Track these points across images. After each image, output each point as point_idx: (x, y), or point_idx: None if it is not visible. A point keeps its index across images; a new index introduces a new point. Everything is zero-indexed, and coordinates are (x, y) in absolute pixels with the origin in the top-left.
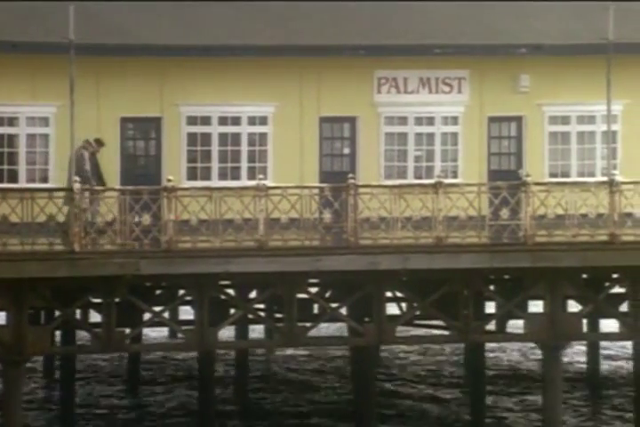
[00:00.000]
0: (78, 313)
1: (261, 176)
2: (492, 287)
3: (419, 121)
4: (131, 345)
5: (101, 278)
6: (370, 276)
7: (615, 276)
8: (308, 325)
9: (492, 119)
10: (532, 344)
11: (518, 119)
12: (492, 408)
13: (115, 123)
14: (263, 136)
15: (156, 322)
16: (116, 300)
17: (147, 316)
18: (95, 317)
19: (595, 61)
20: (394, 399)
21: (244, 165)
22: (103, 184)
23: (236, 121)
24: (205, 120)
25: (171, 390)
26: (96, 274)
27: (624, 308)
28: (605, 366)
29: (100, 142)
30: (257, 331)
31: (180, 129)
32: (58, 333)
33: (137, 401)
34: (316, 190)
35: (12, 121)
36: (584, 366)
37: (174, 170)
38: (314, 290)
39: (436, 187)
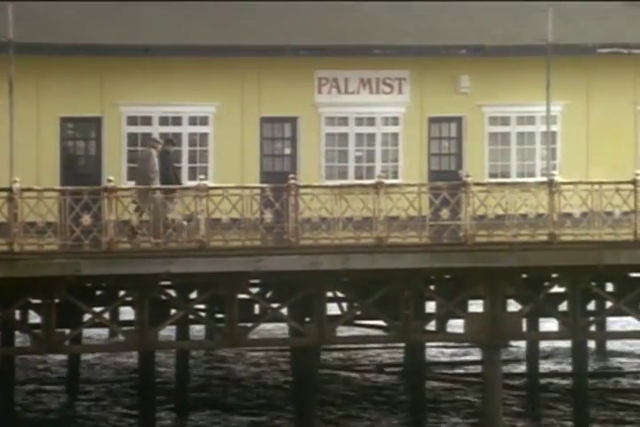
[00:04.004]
0: (17, 314)
1: (202, 176)
2: (432, 287)
3: (359, 121)
4: (70, 346)
5: (41, 279)
6: (311, 276)
7: (555, 275)
8: (249, 325)
9: (433, 120)
10: None
11: (458, 120)
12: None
13: (54, 123)
14: (204, 136)
15: (96, 323)
16: (56, 301)
17: (87, 317)
18: (35, 318)
19: (534, 63)
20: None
21: (185, 165)
22: (178, 182)
23: (176, 121)
24: (146, 120)
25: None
26: (36, 275)
27: (563, 307)
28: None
29: (171, 142)
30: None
31: (120, 129)
32: None
33: (75, 402)
34: (257, 191)
35: None
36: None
37: (115, 170)
38: (255, 290)
39: (377, 187)
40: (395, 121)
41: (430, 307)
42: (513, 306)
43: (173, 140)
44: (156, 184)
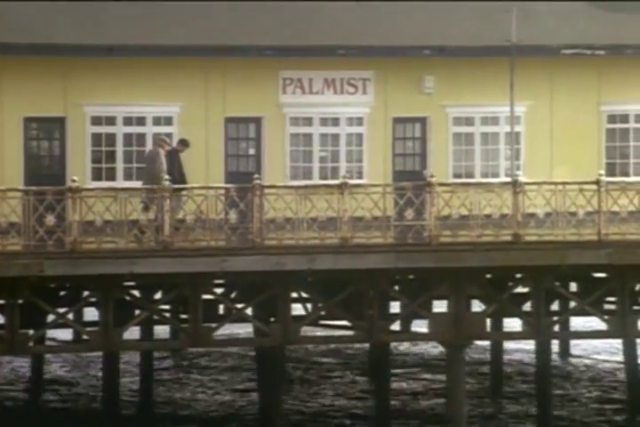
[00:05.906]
0: None
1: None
2: (397, 287)
3: (324, 122)
4: (34, 347)
5: (4, 280)
6: (275, 276)
7: (518, 275)
8: (213, 325)
9: (397, 120)
10: None
11: (423, 120)
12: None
13: (18, 123)
14: (168, 136)
15: (60, 323)
16: (20, 301)
17: (51, 317)
18: None
19: (498, 63)
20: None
21: None
22: (184, 183)
23: (140, 121)
24: (110, 120)
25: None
26: None
27: (527, 307)
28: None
29: (185, 143)
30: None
31: (84, 129)
32: None
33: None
34: (222, 191)
35: None
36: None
37: (79, 170)
38: (219, 291)
39: (342, 187)
40: (359, 121)
41: (395, 307)
42: (477, 306)
43: (187, 141)
44: (162, 183)
